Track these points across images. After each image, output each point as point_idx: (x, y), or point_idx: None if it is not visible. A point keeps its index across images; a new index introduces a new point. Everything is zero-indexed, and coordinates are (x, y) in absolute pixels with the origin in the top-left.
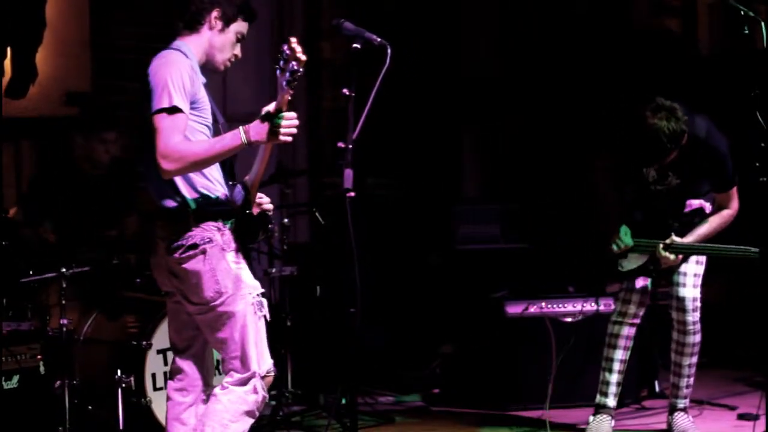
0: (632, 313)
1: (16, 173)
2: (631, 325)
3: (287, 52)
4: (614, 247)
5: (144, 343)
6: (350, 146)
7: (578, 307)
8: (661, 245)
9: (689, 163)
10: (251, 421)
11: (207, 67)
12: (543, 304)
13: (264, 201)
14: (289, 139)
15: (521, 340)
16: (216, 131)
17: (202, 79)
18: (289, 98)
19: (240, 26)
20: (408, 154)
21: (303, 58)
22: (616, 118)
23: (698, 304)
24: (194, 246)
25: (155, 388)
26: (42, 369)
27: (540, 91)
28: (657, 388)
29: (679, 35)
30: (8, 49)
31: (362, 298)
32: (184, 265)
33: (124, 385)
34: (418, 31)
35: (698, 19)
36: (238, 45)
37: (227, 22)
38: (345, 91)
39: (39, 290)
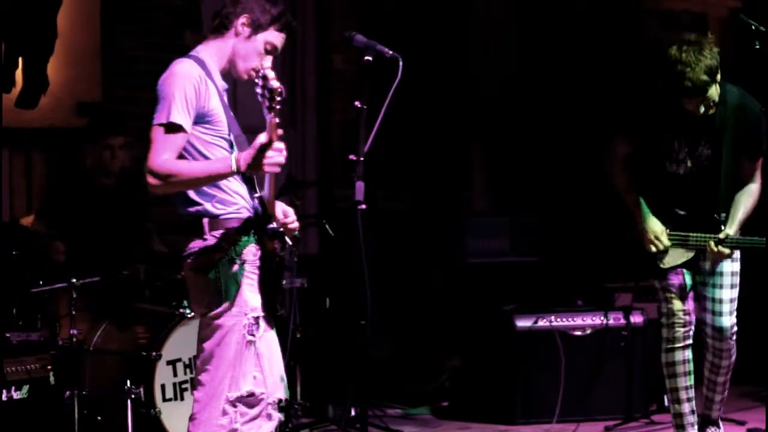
0: (681, 336)
1: (27, 183)
2: (684, 348)
3: (261, 79)
4: (652, 248)
5: (154, 353)
6: (362, 159)
7: (587, 321)
8: (713, 241)
9: (722, 127)
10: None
11: (230, 75)
12: (552, 317)
13: (289, 220)
14: (276, 169)
15: (530, 354)
16: (231, 144)
17: (223, 86)
18: (277, 122)
19: (271, 36)
20: (418, 166)
21: (274, 85)
22: (634, 101)
23: (735, 329)
24: (206, 254)
25: (164, 399)
26: (52, 379)
27: (551, 103)
28: (666, 403)
29: None
30: (20, 60)
31: (372, 310)
32: (192, 271)
33: (133, 396)
34: (428, 42)
35: (708, 34)
36: (269, 57)
37: (255, 29)
38: (357, 103)
39: (49, 300)
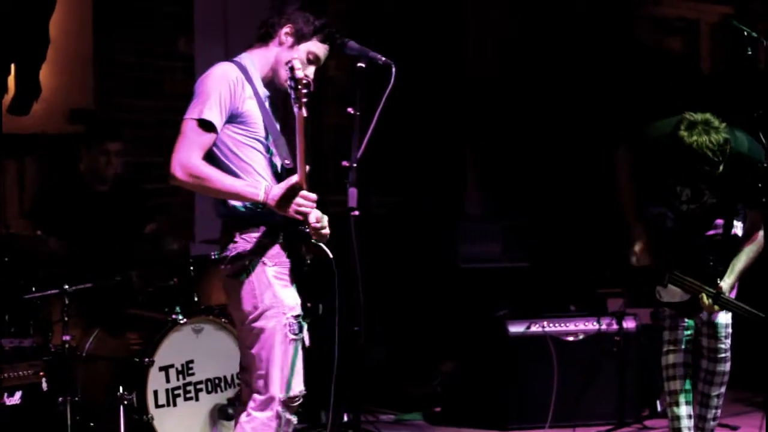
0: (683, 338)
1: (20, 190)
2: (685, 350)
3: (289, 70)
4: (633, 260)
5: (146, 360)
6: (354, 165)
7: (580, 326)
8: (705, 295)
9: (729, 180)
10: None
11: (273, 84)
12: (545, 323)
13: (320, 225)
14: (299, 217)
15: (523, 359)
16: (268, 148)
17: (265, 92)
18: (305, 115)
19: (314, 47)
20: (410, 171)
21: (298, 75)
22: (639, 115)
23: (730, 330)
24: (237, 258)
25: (157, 405)
26: (44, 385)
27: (544, 109)
28: (659, 408)
29: (681, 54)
30: (12, 66)
31: (365, 315)
32: (227, 276)
33: (126, 402)
34: (420, 48)
35: (701, 38)
36: (311, 66)
37: (299, 39)
38: (350, 109)
39: (41, 307)
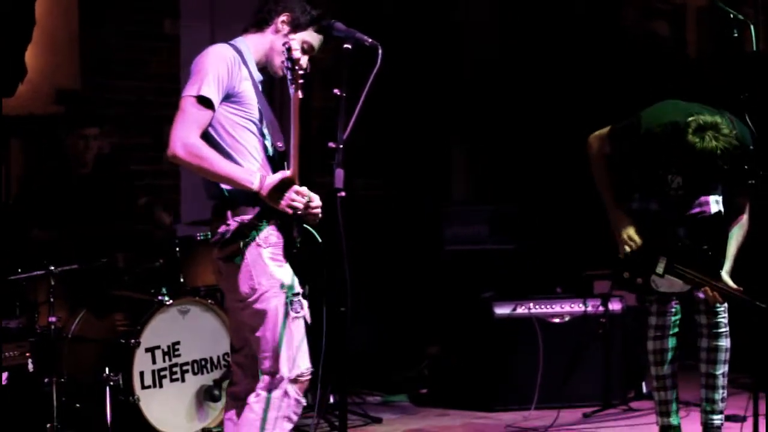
0: (671, 323)
1: (5, 171)
2: (673, 335)
3: (286, 51)
4: (626, 249)
5: (132, 341)
6: (341, 146)
7: (566, 308)
8: (708, 288)
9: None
10: (290, 426)
11: (266, 71)
12: (531, 304)
13: (312, 204)
14: (289, 211)
15: (509, 341)
16: (262, 131)
17: (258, 77)
18: (300, 97)
19: (309, 36)
20: (397, 154)
21: (296, 56)
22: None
23: (727, 304)
24: (230, 240)
25: (143, 386)
26: (30, 366)
27: (531, 93)
28: (644, 389)
29: (668, 38)
30: None
31: (351, 297)
32: (221, 260)
33: (112, 383)
34: (408, 31)
35: (687, 22)
36: (305, 56)
37: (295, 28)
38: (336, 91)
39: (27, 288)
